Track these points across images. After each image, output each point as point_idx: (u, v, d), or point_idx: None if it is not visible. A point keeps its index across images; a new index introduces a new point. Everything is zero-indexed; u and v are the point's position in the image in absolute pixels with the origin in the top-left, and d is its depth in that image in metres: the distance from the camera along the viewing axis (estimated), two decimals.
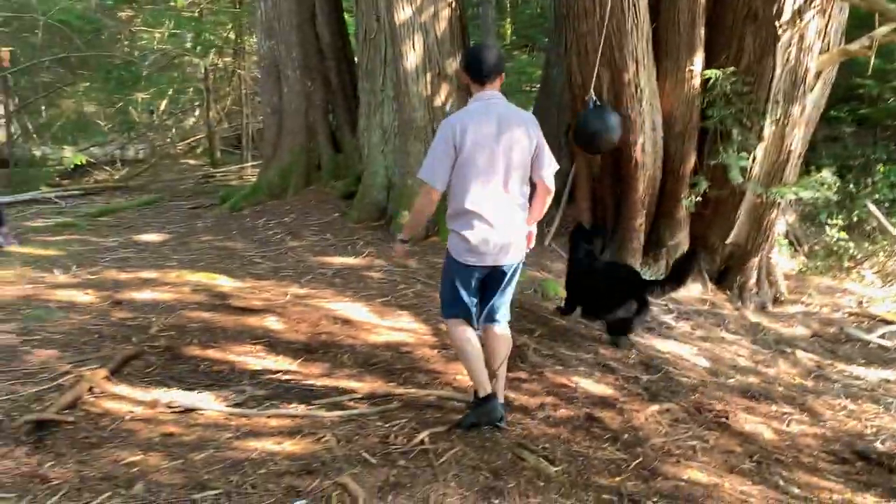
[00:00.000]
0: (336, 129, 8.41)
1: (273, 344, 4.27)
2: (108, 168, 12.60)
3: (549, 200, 3.36)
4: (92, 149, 12.71)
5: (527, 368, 4.21)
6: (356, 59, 8.23)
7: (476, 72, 3.21)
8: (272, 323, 4.58)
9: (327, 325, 4.62)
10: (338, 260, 6.17)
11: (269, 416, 3.35)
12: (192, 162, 13.71)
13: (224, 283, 5.28)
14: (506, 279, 3.32)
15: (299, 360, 4.10)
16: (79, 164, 11.13)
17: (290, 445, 3.06)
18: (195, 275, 5.39)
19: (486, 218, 3.14)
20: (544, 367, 4.28)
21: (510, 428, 3.38)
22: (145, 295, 4.89)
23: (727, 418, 4.09)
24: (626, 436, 3.51)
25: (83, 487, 2.65)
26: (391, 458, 2.99)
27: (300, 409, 3.47)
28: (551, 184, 3.31)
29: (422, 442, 3.11)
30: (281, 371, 3.92)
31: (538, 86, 16.10)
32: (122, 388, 3.51)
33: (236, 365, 3.93)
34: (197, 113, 14.93)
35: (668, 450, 3.44)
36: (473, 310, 3.37)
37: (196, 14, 12.51)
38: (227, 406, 3.43)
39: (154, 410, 3.31)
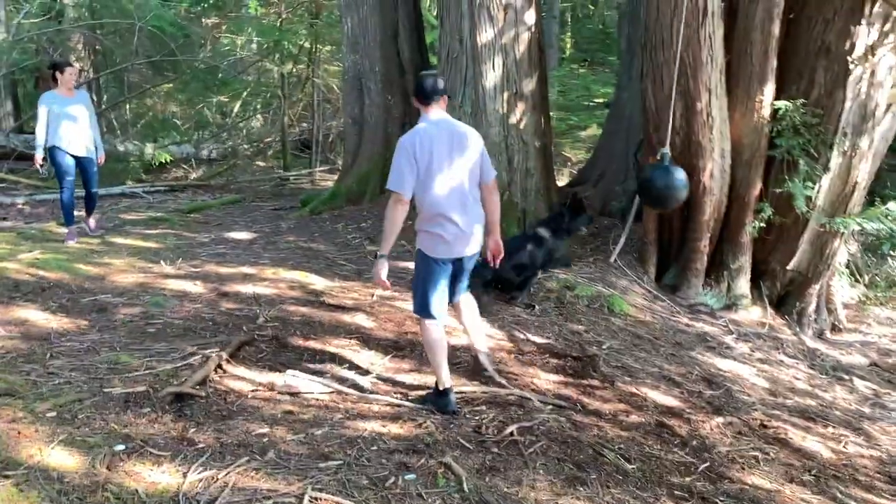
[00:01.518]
0: None
1: (365, 339, 4.68)
2: (184, 166, 13.30)
3: (497, 198, 3.98)
4: (170, 147, 13.44)
5: (598, 377, 4.52)
6: None
7: (425, 96, 3.77)
8: (363, 320, 4.99)
9: (412, 326, 5.01)
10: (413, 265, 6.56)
11: (371, 403, 3.75)
12: (261, 164, 14.34)
13: (316, 281, 5.73)
14: (468, 266, 4.01)
15: (390, 356, 4.50)
16: (162, 161, 11.80)
17: (394, 428, 3.45)
18: (289, 272, 5.85)
19: (454, 218, 3.74)
20: (614, 377, 4.59)
21: (588, 428, 3.71)
22: (248, 288, 5.36)
23: (786, 435, 4.34)
24: (693, 442, 3.81)
25: (224, 451, 3.07)
26: (485, 445, 3.35)
27: (397, 397, 3.85)
28: (495, 185, 3.94)
29: (511, 434, 3.47)
30: (377, 364, 4.31)
31: (598, 101, 16.43)
32: (241, 371, 3.95)
33: (336, 356, 4.34)
34: (260, 117, 15.55)
35: (733, 458, 3.73)
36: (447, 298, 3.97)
37: (276, 23, 13.12)
38: (332, 392, 3.84)
39: (272, 391, 3.74)
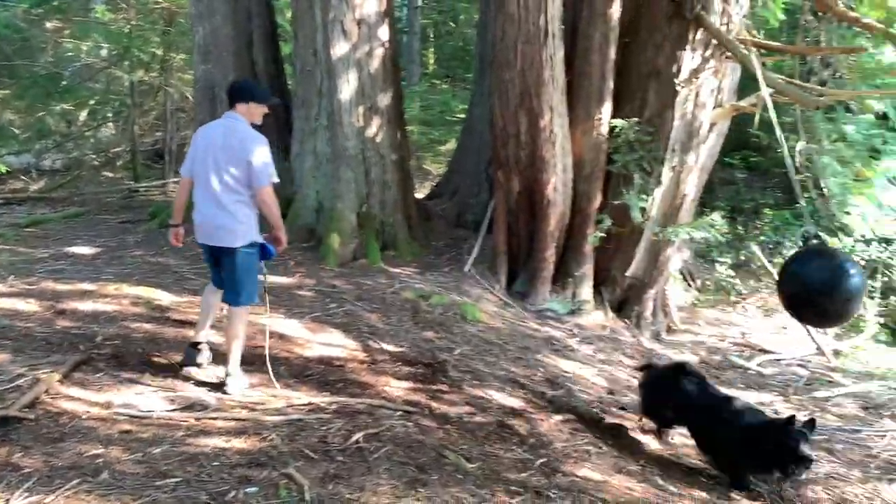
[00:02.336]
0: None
1: (213, 355, 4.58)
2: (24, 178, 12.41)
3: (269, 203, 4.21)
4: (7, 157, 12.49)
5: (447, 382, 4.68)
6: (292, 87, 8.61)
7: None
8: (211, 336, 4.89)
9: (263, 340, 4.97)
10: (269, 279, 6.48)
11: (215, 419, 3.70)
12: (110, 175, 13.62)
13: (162, 296, 5.55)
14: (225, 263, 4.29)
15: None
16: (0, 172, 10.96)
17: (238, 443, 3.42)
18: (133, 288, 5.63)
19: (199, 207, 4.23)
20: (462, 381, 4.77)
21: (434, 431, 3.85)
22: (87, 306, 5.12)
23: (619, 430, 4.68)
24: (532, 440, 4.03)
25: (53, 475, 2.95)
26: (330, 454, 3.40)
27: (243, 412, 3.82)
28: (263, 192, 4.17)
29: (356, 442, 3.54)
30: (222, 379, 4.25)
31: (458, 117, 16.87)
32: (76, 391, 3.78)
33: (180, 374, 4.24)
34: (111, 126, 14.80)
35: (568, 452, 3.98)
36: None
37: (126, 29, 12.55)
38: (175, 409, 3.76)
39: (109, 411, 3.61)
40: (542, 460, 3.76)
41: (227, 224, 4.10)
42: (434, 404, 4.29)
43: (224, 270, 4.27)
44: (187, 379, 4.19)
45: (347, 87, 7.27)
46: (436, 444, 3.68)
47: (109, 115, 14.19)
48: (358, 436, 3.59)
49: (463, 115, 16.69)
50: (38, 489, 2.83)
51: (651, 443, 4.58)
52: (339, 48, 7.16)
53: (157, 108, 13.68)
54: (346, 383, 4.47)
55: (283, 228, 4.35)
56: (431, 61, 24.31)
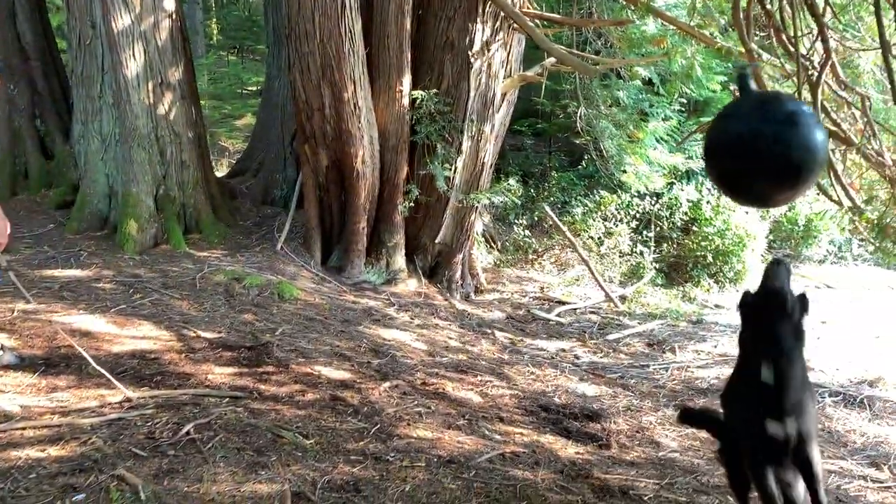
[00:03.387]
0: (45, 135, 7.94)
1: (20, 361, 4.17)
2: None
3: None
4: None
5: (273, 363, 4.64)
6: (68, 63, 7.86)
7: None
8: (3, 340, 4.44)
9: (65, 339, 4.60)
10: (61, 273, 5.99)
11: (23, 428, 3.39)
12: None
13: None
14: None
15: (39, 374, 4.09)
16: None
17: (54, 451, 3.17)
18: None
19: None
20: (289, 360, 4.75)
21: (266, 414, 3.82)
22: None
23: (444, 389, 4.92)
24: (365, 409, 4.13)
25: None
26: (160, 449, 3.26)
27: (55, 418, 3.54)
28: None
29: (188, 433, 3.42)
30: (25, 385, 3.89)
31: (250, 90, 16.32)
32: None
33: None
34: None
35: (400, 416, 4.13)
36: None
37: None
38: None
39: None
40: (376, 427, 3.88)
41: None
42: (262, 387, 4.23)
43: None
44: None
45: (133, 62, 6.77)
46: (270, 425, 3.66)
47: None
48: (188, 427, 3.47)
49: (255, 88, 16.21)
50: None
51: (474, 398, 4.87)
52: (122, 20, 6.63)
53: None
54: (164, 376, 4.26)
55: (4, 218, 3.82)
56: (215, 32, 23.17)
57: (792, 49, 3.63)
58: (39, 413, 3.60)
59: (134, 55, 6.76)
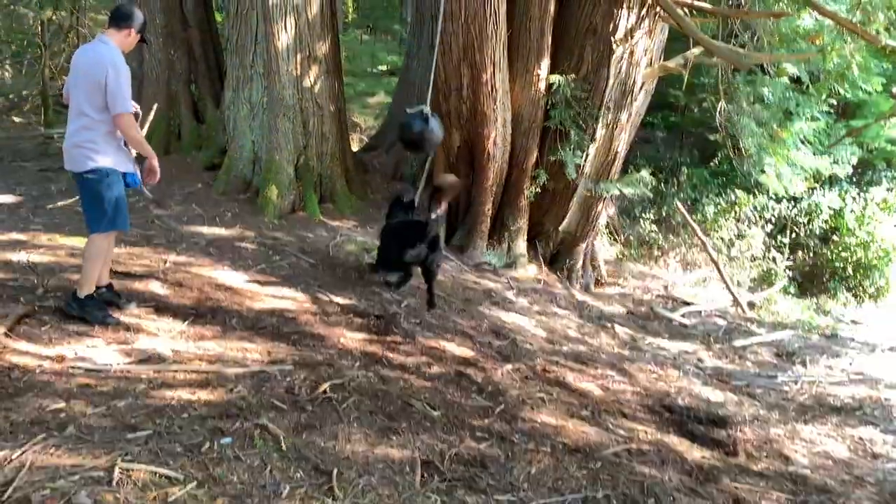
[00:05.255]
0: (198, 99, 8.42)
1: (161, 308, 4.48)
2: None
3: (127, 130, 4.01)
4: None
5: (400, 334, 4.75)
6: (225, 32, 8.28)
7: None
8: (157, 288, 4.77)
9: (211, 292, 4.89)
10: (208, 230, 6.35)
11: (175, 371, 3.64)
12: (17, 120, 12.78)
13: None
14: (80, 185, 4.14)
15: (189, 323, 4.36)
16: None
17: (204, 395, 3.39)
18: (67, 238, 5.39)
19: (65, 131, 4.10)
20: (415, 332, 4.85)
21: (395, 381, 3.92)
22: (20, 256, 4.87)
23: (565, 378, 4.88)
24: (489, 388, 4.17)
25: (16, 430, 2.84)
26: (299, 405, 3.42)
27: (203, 365, 3.78)
28: (121, 119, 3.95)
29: (324, 392, 3.57)
30: (176, 332, 4.17)
31: (384, 69, 16.64)
32: (24, 345, 3.63)
33: (131, 325, 4.13)
34: (8, 68, 13.79)
35: (523, 399, 4.14)
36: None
37: None
38: (132, 362, 3.67)
39: (63, 365, 3.49)
40: (501, 407, 3.91)
41: (70, 149, 4.00)
42: (391, 355, 4.35)
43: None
44: (139, 330, 4.08)
45: (285, 33, 7.04)
46: (400, 393, 3.76)
47: (9, 56, 13.24)
48: (324, 386, 3.62)
49: (388, 67, 16.52)
50: (3, 445, 2.73)
51: (595, 391, 4.81)
52: None
53: (68, 50, 12.84)
54: (300, 335, 4.45)
55: (156, 157, 4.18)
56: (351, 10, 23.78)
57: None
58: (189, 359, 3.86)
59: (286, 27, 7.02)
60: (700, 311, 8.07)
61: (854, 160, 9.87)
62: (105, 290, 4.32)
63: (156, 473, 2.67)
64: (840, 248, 9.46)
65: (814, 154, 8.89)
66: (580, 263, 8.21)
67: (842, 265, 9.41)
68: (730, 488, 3.48)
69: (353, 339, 4.53)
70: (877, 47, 6.96)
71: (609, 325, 6.97)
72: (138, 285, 4.73)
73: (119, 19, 4.02)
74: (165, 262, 5.29)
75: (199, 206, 6.91)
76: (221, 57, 8.34)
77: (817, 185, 9.77)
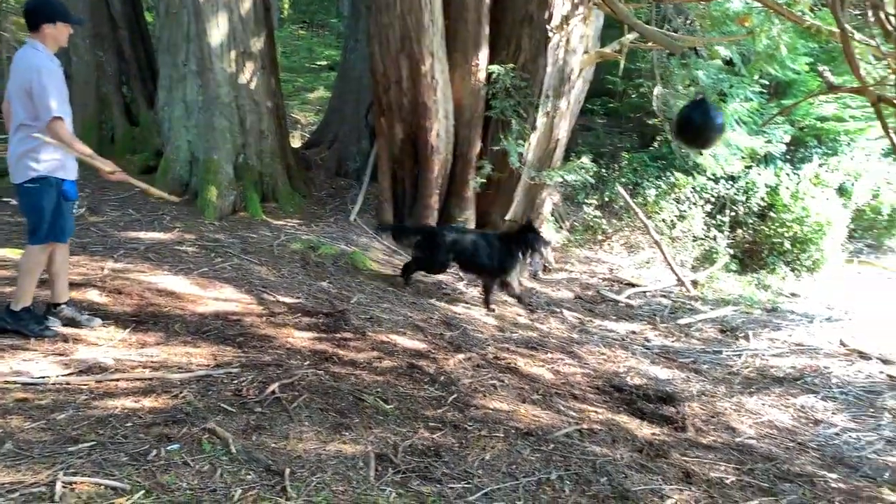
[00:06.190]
0: (131, 101, 8.19)
1: (101, 317, 4.34)
2: None
3: (59, 134, 3.80)
4: None
5: (350, 330, 4.71)
6: (155, 31, 8.06)
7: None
8: (95, 296, 4.63)
9: (152, 298, 4.76)
10: (146, 235, 6.19)
11: (118, 380, 3.53)
12: None
13: None
14: (20, 198, 4.01)
15: (130, 330, 4.24)
16: None
17: (148, 402, 3.30)
18: None
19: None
20: (365, 328, 4.82)
21: (346, 378, 3.88)
22: None
23: (516, 364, 4.91)
24: (441, 378, 4.16)
25: None
26: (248, 406, 3.36)
27: (146, 372, 3.68)
28: (49, 128, 3.78)
29: (273, 392, 3.51)
30: (117, 340, 4.05)
31: (322, 63, 16.45)
32: None
33: (69, 336, 4.00)
34: None
35: (475, 388, 4.15)
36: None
37: None
38: (71, 373, 3.55)
39: None
40: (453, 396, 3.91)
41: (14, 162, 3.87)
42: (341, 352, 4.31)
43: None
44: (78, 341, 3.96)
45: (217, 30, 6.91)
46: (351, 389, 3.73)
47: None
48: (273, 387, 3.56)
49: (327, 62, 16.34)
50: None
51: (546, 375, 4.85)
52: None
53: None
54: (246, 337, 4.37)
55: (99, 158, 3.98)
56: (286, 5, 23.45)
57: (890, 28, 3.44)
58: (132, 367, 3.75)
59: (218, 24, 6.89)
60: (645, 292, 8.22)
61: (787, 138, 10.16)
62: (65, 307, 4.17)
63: (100, 485, 2.59)
64: (777, 224, 9.73)
65: (749, 134, 9.11)
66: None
67: (779, 240, 9.67)
68: (680, 462, 3.55)
69: (301, 338, 4.47)
70: (802, 27, 7.18)
71: (558, 310, 7.04)
72: (75, 294, 4.57)
73: (30, 20, 3.86)
74: (103, 269, 5.14)
75: (136, 211, 6.73)
76: (153, 57, 8.13)
77: (753, 164, 10.02)
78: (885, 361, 6.00)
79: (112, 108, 8.02)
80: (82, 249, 5.56)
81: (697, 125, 4.61)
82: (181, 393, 3.42)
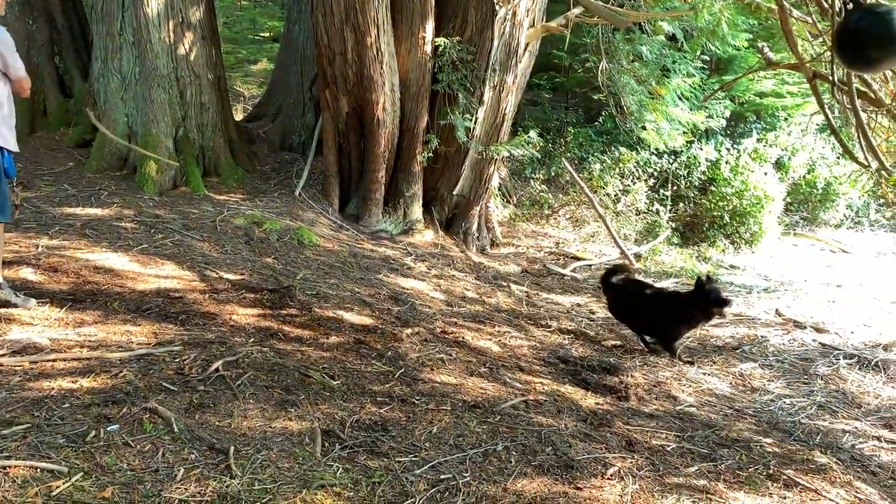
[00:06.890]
0: (64, 72, 7.86)
1: (35, 295, 4.19)
2: None
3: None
4: None
5: (296, 306, 4.66)
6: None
7: None
8: (29, 275, 4.47)
9: (90, 275, 4.63)
10: (82, 211, 5.99)
11: (54, 360, 3.43)
12: None
13: None
14: None
15: (66, 309, 4.12)
16: None
17: (86, 382, 3.21)
18: None
19: None
20: (311, 304, 4.77)
21: (292, 354, 3.85)
22: None
23: (463, 337, 4.95)
24: (388, 353, 4.16)
25: None
26: (190, 385, 3.30)
27: (84, 351, 3.58)
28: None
29: (216, 370, 3.45)
30: (53, 319, 3.93)
31: (265, 35, 16.07)
32: None
33: (1, 316, 3.86)
34: None
35: (423, 362, 4.16)
36: None
37: None
38: (4, 354, 3.43)
39: None
40: (401, 371, 3.91)
41: None
42: (286, 328, 4.27)
43: None
44: (11, 321, 3.82)
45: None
46: (297, 365, 3.69)
47: None
48: (217, 364, 3.50)
49: (270, 33, 15.96)
50: None
51: (493, 348, 4.90)
52: None
53: None
54: (189, 315, 4.29)
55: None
56: None
57: (826, 5, 3.52)
58: (68, 346, 3.64)
59: None
60: (590, 266, 8.35)
61: (727, 113, 10.40)
62: None
63: (36, 468, 2.51)
64: (717, 198, 9.97)
65: (690, 109, 9.28)
66: (475, 226, 8.31)
67: (719, 214, 9.93)
68: (623, 430, 3.63)
69: (245, 315, 4.40)
70: (743, 4, 7.31)
71: (505, 284, 7.10)
72: (8, 273, 4.40)
73: None
74: (37, 246, 4.96)
75: (72, 186, 6.51)
76: (87, 26, 7.81)
77: (695, 139, 10.23)
78: (818, 330, 6.23)
79: (44, 79, 7.68)
80: (14, 226, 5.33)
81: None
82: (121, 372, 3.34)
